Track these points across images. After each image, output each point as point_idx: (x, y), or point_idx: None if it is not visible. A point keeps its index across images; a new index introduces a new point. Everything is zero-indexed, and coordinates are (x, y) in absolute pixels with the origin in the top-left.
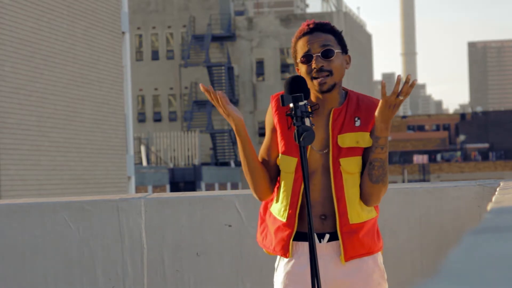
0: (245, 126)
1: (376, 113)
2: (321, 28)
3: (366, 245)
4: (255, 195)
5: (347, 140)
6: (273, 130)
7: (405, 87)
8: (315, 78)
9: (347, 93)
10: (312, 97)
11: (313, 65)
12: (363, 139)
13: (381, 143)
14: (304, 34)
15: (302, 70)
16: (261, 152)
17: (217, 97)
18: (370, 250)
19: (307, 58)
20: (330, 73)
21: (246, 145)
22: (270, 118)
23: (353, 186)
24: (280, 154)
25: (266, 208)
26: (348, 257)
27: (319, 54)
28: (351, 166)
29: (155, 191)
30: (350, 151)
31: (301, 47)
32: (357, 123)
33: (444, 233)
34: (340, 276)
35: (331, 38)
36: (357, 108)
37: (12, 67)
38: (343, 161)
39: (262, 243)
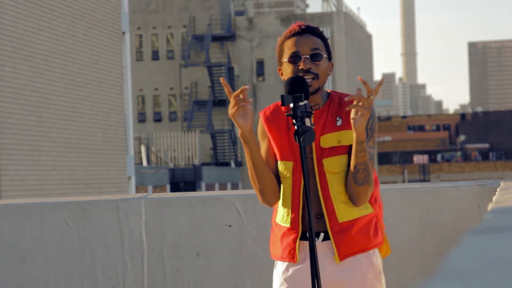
0: (252, 132)
1: (356, 119)
2: (312, 31)
3: (359, 242)
4: (264, 203)
5: (328, 140)
6: (268, 138)
7: (377, 87)
8: None
9: (329, 94)
10: None
11: (301, 66)
12: (345, 138)
13: (364, 147)
14: (294, 35)
15: (287, 70)
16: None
17: (237, 95)
18: (364, 247)
19: (294, 59)
20: (316, 76)
21: (253, 149)
22: (262, 129)
23: (339, 185)
24: (278, 161)
25: (272, 221)
26: (342, 256)
27: (308, 56)
28: (334, 166)
29: (155, 191)
30: (333, 151)
31: (289, 47)
32: (339, 122)
33: (444, 233)
34: (334, 275)
35: (320, 43)
36: (339, 108)
37: (13, 67)
38: (326, 162)
39: (272, 253)
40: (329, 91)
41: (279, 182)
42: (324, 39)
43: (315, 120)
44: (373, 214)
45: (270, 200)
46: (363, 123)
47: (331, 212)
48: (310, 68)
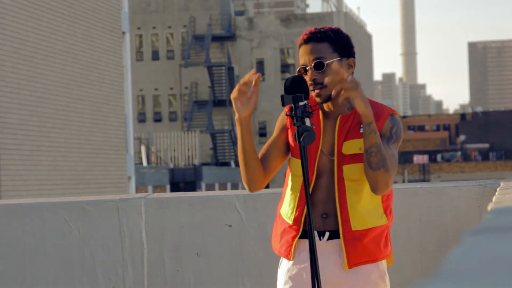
0: (249, 120)
1: (353, 100)
2: (315, 37)
3: (370, 252)
4: (246, 186)
5: (350, 147)
6: (283, 129)
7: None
8: (312, 90)
9: None
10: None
11: (308, 77)
12: None
13: (374, 128)
14: (301, 45)
15: None
16: (265, 145)
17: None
18: (374, 258)
19: (303, 71)
20: (323, 85)
21: (244, 136)
22: (283, 119)
23: (356, 193)
24: (291, 158)
25: (277, 211)
26: (351, 264)
27: (312, 66)
28: (354, 173)
29: (155, 191)
30: (354, 158)
31: (300, 58)
32: (361, 129)
33: (444, 233)
34: (338, 275)
35: (325, 47)
36: None
37: (13, 67)
38: (346, 168)
39: (272, 244)
40: None
41: (267, 172)
42: (331, 40)
43: (340, 125)
44: (386, 225)
45: (251, 186)
46: (357, 102)
47: (346, 220)
48: (315, 78)
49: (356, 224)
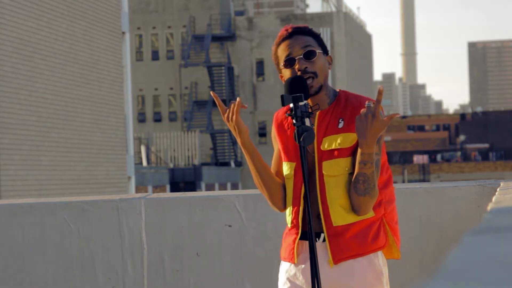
0: (250, 141)
1: (355, 127)
2: (300, 31)
3: (354, 246)
4: (274, 208)
5: (328, 142)
6: (276, 139)
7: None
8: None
9: (337, 94)
10: None
11: (297, 67)
12: (344, 140)
13: (364, 159)
14: (284, 39)
15: (286, 74)
16: (272, 165)
17: (230, 105)
18: (360, 252)
19: (289, 62)
20: (315, 74)
21: (254, 155)
22: (273, 131)
23: (336, 188)
24: (283, 163)
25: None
26: (336, 260)
27: (301, 56)
28: (332, 169)
29: (155, 191)
30: (332, 153)
31: (282, 52)
32: (340, 125)
33: (444, 233)
34: (332, 276)
35: (311, 40)
36: (344, 109)
37: (12, 67)
38: (325, 164)
39: (280, 251)
40: (337, 91)
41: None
42: (315, 36)
43: (319, 121)
44: (375, 218)
45: (278, 205)
46: (365, 134)
47: (327, 215)
48: (306, 67)
49: (337, 220)
